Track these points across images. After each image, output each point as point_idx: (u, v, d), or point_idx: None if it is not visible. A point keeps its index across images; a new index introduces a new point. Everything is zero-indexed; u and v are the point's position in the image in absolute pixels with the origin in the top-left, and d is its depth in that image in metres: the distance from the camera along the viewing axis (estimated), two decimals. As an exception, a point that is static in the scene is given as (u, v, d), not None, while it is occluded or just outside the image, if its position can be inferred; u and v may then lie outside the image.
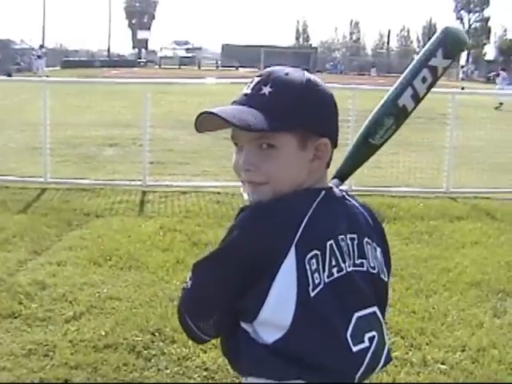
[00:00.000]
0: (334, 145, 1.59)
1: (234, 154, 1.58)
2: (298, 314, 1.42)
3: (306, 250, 1.44)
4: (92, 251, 6.21)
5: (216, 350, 4.20)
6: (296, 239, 1.43)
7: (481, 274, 5.93)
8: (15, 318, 4.69)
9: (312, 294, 1.43)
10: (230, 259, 1.48)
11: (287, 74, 1.53)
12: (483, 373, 4.08)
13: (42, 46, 43.65)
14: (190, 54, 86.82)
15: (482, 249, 6.80)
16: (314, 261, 1.44)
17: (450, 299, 5.30)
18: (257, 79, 1.54)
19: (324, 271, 1.46)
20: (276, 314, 1.43)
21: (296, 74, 1.54)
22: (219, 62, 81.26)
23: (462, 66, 61.87)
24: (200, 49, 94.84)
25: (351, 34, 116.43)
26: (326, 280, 1.46)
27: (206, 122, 1.53)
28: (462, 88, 26.97)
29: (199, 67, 73.49)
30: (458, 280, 5.76)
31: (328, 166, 1.60)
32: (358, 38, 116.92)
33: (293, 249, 1.42)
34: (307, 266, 1.43)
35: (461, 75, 45.87)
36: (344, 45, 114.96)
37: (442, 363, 4.19)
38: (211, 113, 1.48)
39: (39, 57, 40.84)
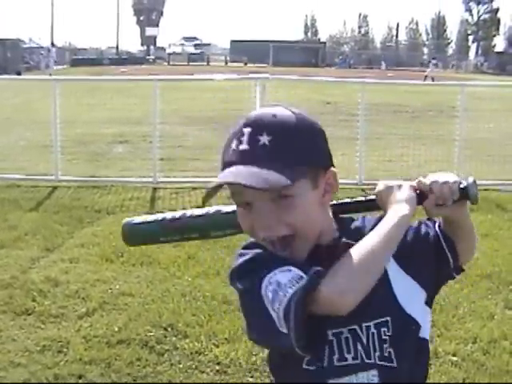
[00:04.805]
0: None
1: (240, 216, 1.47)
2: None
3: None
4: (104, 248, 6.26)
5: (228, 344, 4.23)
6: None
7: (491, 265, 5.92)
8: (29, 314, 4.74)
9: None
10: None
11: (276, 116, 1.39)
12: (495, 364, 4.08)
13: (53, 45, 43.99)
14: (198, 51, 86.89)
15: (493, 241, 6.79)
16: None
17: (461, 291, 5.30)
18: (247, 130, 1.38)
19: None
20: None
21: (283, 112, 1.41)
22: (228, 58, 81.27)
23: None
24: (209, 45, 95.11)
25: (360, 27, 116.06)
26: None
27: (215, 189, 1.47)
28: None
29: (208, 63, 73.45)
30: (468, 272, 5.73)
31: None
32: (367, 32, 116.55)
33: None
34: None
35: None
36: (352, 38, 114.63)
37: (454, 355, 4.20)
38: (226, 183, 1.44)
39: (55, 61, 40.75)
